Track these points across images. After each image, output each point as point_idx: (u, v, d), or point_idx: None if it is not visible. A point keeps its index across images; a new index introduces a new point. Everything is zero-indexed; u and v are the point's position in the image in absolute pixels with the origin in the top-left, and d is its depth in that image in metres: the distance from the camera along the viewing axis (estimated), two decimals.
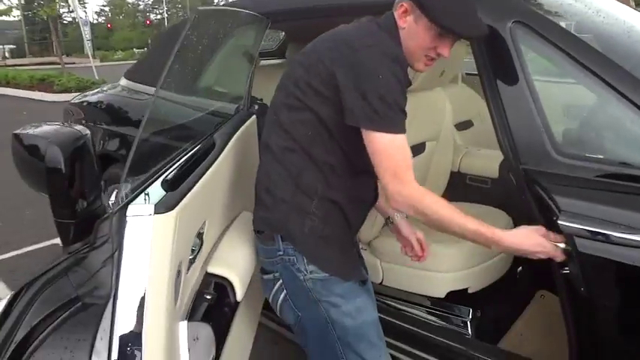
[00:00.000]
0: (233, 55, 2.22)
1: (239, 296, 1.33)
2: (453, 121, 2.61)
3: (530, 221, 1.39)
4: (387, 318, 1.94)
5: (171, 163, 1.23)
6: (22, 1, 29.01)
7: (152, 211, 0.97)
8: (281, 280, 1.39)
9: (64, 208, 0.97)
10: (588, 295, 1.31)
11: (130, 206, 0.97)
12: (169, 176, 1.15)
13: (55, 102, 12.03)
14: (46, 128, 1.02)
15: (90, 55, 15.25)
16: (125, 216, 0.96)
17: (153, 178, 1.11)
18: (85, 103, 3.51)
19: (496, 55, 1.50)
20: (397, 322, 1.91)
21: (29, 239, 3.88)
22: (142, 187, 1.05)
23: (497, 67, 1.49)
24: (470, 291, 1.99)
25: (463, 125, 2.81)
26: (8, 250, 3.70)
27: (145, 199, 1.01)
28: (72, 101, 3.66)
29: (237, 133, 1.62)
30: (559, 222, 1.27)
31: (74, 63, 21.98)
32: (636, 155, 1.35)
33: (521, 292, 2.19)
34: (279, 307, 1.43)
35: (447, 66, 2.19)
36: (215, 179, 1.35)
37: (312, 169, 1.33)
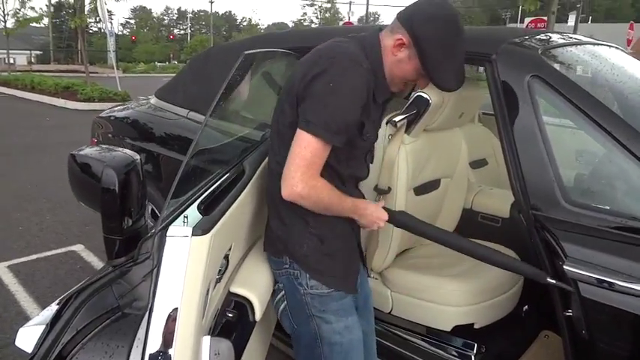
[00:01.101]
0: (263, 85, 2.33)
1: (258, 316, 1.41)
2: (467, 160, 2.70)
3: (536, 262, 1.47)
4: (393, 346, 2.01)
5: (205, 187, 1.33)
6: (52, 9, 29.87)
7: (190, 233, 1.07)
8: (284, 292, 1.53)
9: (113, 224, 1.07)
10: (589, 337, 1.37)
11: (170, 227, 1.06)
12: (204, 200, 1.25)
13: (77, 110, 12.34)
14: (101, 151, 1.13)
15: (114, 67, 15.58)
16: (165, 236, 1.05)
17: (190, 201, 1.21)
18: (112, 118, 3.64)
19: (513, 105, 1.59)
20: (404, 351, 1.97)
21: (48, 244, 4.00)
22: (181, 209, 1.15)
23: (513, 116, 1.59)
24: (476, 326, 2.04)
25: (477, 164, 2.89)
26: (28, 254, 3.81)
27: (183, 222, 1.11)
28: (101, 115, 3.80)
29: (265, 160, 1.71)
30: (565, 267, 1.34)
31: (97, 73, 22.43)
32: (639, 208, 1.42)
33: (525, 330, 2.24)
34: (279, 315, 1.58)
35: (465, 108, 2.29)
36: (243, 205, 1.45)
37: None
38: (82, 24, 15.10)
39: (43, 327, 0.94)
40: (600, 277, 1.32)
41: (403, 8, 1.41)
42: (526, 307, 2.32)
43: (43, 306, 3.07)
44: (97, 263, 3.73)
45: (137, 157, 1.13)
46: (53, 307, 1.01)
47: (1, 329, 2.84)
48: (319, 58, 1.34)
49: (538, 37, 1.88)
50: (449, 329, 2.05)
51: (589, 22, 52.97)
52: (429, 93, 2.04)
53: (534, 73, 1.58)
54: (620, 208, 1.45)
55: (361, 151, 1.50)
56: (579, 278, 1.34)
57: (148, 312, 1.01)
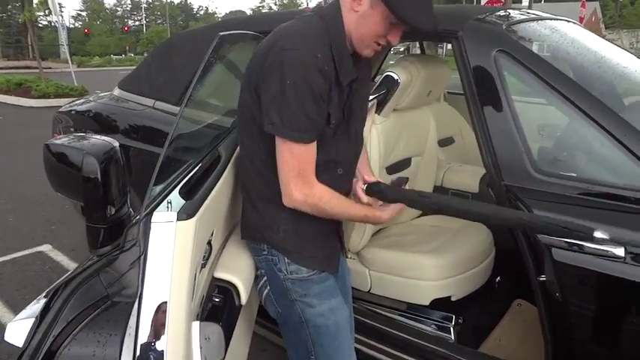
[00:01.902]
0: (229, 70, 2.32)
1: (243, 300, 1.42)
2: (436, 138, 2.76)
3: (509, 233, 1.52)
4: (374, 324, 2.05)
5: (185, 173, 1.32)
6: None
7: (175, 218, 1.06)
8: (265, 277, 1.53)
9: (96, 213, 1.05)
10: (563, 300, 1.44)
11: (154, 213, 1.06)
12: (185, 185, 1.24)
13: (32, 107, 11.89)
14: (78, 140, 1.11)
15: (69, 61, 15.06)
16: (150, 222, 1.05)
17: (171, 187, 1.20)
18: (73, 112, 3.54)
19: (481, 80, 1.64)
20: (385, 327, 2.01)
21: (14, 246, 3.88)
22: (164, 194, 1.14)
23: (481, 91, 1.63)
24: (453, 299, 2.11)
25: (445, 142, 2.95)
26: None
27: (167, 207, 1.10)
28: (61, 110, 3.69)
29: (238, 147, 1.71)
30: (537, 234, 1.40)
31: (50, 68, 21.64)
32: (604, 174, 1.50)
33: (499, 300, 2.32)
34: (263, 300, 1.57)
35: (433, 86, 2.33)
36: (222, 190, 1.45)
37: (272, 175, 1.37)
38: (31, 17, 14.49)
39: (33, 320, 0.93)
40: (570, 241, 1.38)
41: None
42: (499, 278, 2.40)
43: (14, 310, 2.99)
44: (67, 262, 3.65)
45: (116, 143, 1.12)
46: (41, 300, 0.99)
47: None
48: (272, 48, 1.28)
49: (501, 13, 1.93)
50: (427, 303, 2.11)
51: (542, 2, 54.37)
52: (398, 72, 2.07)
53: (500, 47, 1.62)
54: (585, 175, 1.52)
55: (335, 136, 1.42)
56: (551, 243, 1.41)
57: (137, 299, 1.01)
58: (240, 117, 1.45)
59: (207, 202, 1.24)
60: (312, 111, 1.26)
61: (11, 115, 10.96)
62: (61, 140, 1.10)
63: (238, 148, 1.78)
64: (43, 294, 1.01)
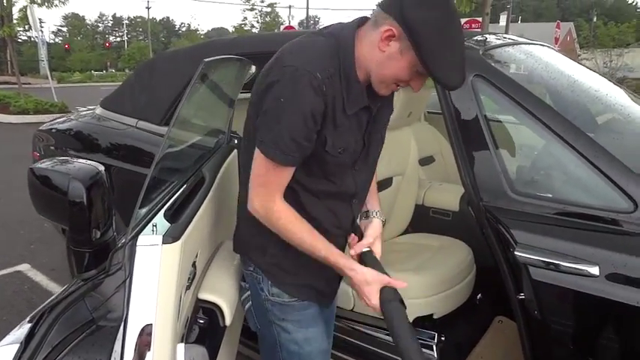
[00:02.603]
0: (215, 91, 2.34)
1: (227, 321, 1.43)
2: (417, 157, 2.81)
3: (489, 251, 1.56)
4: (357, 342, 2.07)
5: (169, 195, 1.33)
6: None
7: (160, 242, 1.08)
8: (249, 292, 1.52)
9: (82, 237, 1.06)
10: (542, 318, 1.48)
11: (140, 236, 1.07)
12: (169, 208, 1.26)
13: (11, 123, 11.73)
14: (63, 164, 1.11)
15: (49, 77, 14.93)
16: (136, 245, 1.06)
17: (156, 209, 1.21)
18: (54, 130, 3.52)
19: (459, 104, 1.69)
20: (367, 346, 2.03)
21: None
22: (148, 217, 1.15)
23: (460, 114, 1.68)
24: (435, 317, 2.13)
25: (426, 161, 3.01)
26: None
27: (152, 230, 1.11)
28: (41, 128, 3.66)
29: (223, 167, 1.73)
30: (515, 253, 1.44)
31: (30, 84, 21.39)
32: (578, 194, 1.55)
33: (481, 317, 2.35)
34: (245, 312, 1.57)
35: (413, 107, 2.39)
36: (206, 211, 1.46)
37: None
38: (10, 33, 14.36)
39: (17, 346, 0.93)
40: (547, 260, 1.42)
41: None
42: (480, 295, 2.43)
43: None
44: (46, 282, 3.60)
45: (101, 167, 1.13)
46: (25, 325, 0.99)
47: None
48: (275, 64, 1.24)
49: (478, 38, 2.00)
50: (410, 321, 2.12)
51: (519, 22, 55.76)
52: None
53: (477, 72, 1.68)
54: (560, 195, 1.57)
55: (339, 166, 1.34)
56: (529, 262, 1.45)
57: (123, 323, 1.02)
58: (243, 131, 1.40)
59: (191, 224, 1.25)
60: (301, 134, 1.20)
61: None
62: (46, 164, 1.11)
63: (224, 166, 1.80)
64: (27, 319, 1.01)
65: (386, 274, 1.35)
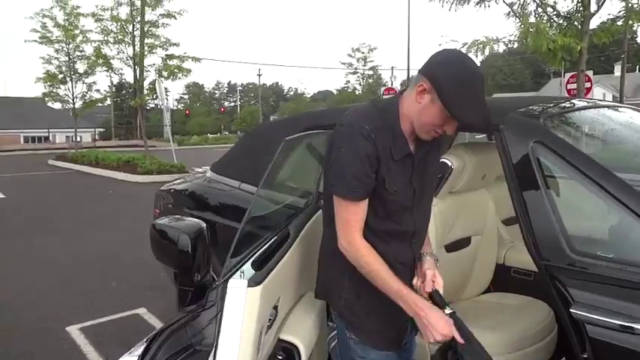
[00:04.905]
0: (305, 157, 2.65)
1: (304, 359, 1.64)
2: (500, 217, 2.87)
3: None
4: None
5: (258, 248, 1.61)
6: (113, 89, 32.47)
7: (246, 285, 1.33)
8: (336, 331, 1.72)
9: (186, 279, 1.35)
10: None
11: (230, 280, 1.34)
12: (257, 259, 1.52)
13: (137, 182, 13.21)
14: (175, 220, 1.44)
15: (171, 140, 16.65)
16: (227, 287, 1.32)
17: (245, 259, 1.48)
18: (172, 190, 4.05)
19: (521, 168, 1.82)
20: None
21: (114, 307, 4.34)
22: (238, 265, 1.42)
23: (520, 177, 1.81)
24: None
25: (510, 220, 3.05)
26: (98, 317, 4.16)
27: (240, 275, 1.38)
28: (162, 188, 4.22)
29: (307, 225, 1.99)
30: (571, 310, 1.51)
31: (155, 146, 23.84)
32: (635, 254, 1.59)
33: None
34: (330, 350, 1.78)
35: (487, 170, 2.51)
36: (289, 263, 1.71)
37: (334, 233, 1.58)
38: (141, 103, 16.38)
39: (136, 357, 1.21)
40: (606, 319, 1.48)
41: None
42: (564, 358, 2.40)
43: None
44: (159, 325, 4.03)
45: (204, 224, 1.43)
46: (142, 344, 1.28)
47: None
48: (336, 127, 1.56)
49: (542, 106, 2.12)
50: None
51: (637, 71, 52.15)
52: (451, 159, 2.29)
53: (537, 139, 1.81)
54: (620, 256, 1.62)
55: (398, 205, 1.58)
56: (586, 320, 1.50)
57: (213, 350, 1.27)
58: (323, 187, 1.70)
59: (273, 272, 1.50)
60: (360, 172, 1.48)
61: (119, 189, 12.23)
62: (163, 221, 1.43)
63: (309, 223, 2.05)
64: (144, 339, 1.30)
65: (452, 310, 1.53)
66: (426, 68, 1.49)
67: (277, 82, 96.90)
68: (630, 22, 8.44)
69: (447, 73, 1.44)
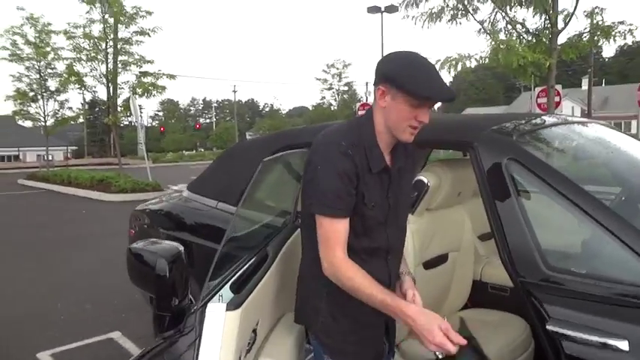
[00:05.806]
0: (283, 176, 2.65)
1: None
2: (475, 233, 2.90)
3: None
4: None
5: (235, 270, 1.59)
6: (86, 106, 31.98)
7: (224, 309, 1.32)
8: (313, 354, 1.70)
9: (164, 304, 1.32)
10: None
11: (208, 304, 1.32)
12: (235, 281, 1.51)
13: (111, 202, 12.96)
14: (152, 244, 1.42)
15: (145, 158, 16.43)
16: (205, 311, 1.31)
17: (223, 283, 1.47)
18: (148, 210, 4.00)
19: (495, 185, 1.85)
20: None
21: (88, 332, 4.22)
22: (217, 288, 1.41)
23: (495, 194, 1.84)
24: None
25: (486, 236, 3.09)
26: (70, 342, 4.04)
27: (219, 299, 1.36)
28: (137, 208, 4.16)
29: (285, 245, 1.98)
30: (547, 327, 1.54)
31: (128, 164, 23.55)
32: (611, 270, 1.62)
33: None
34: None
35: (462, 188, 2.55)
36: (268, 284, 1.69)
37: (316, 264, 1.55)
38: (115, 121, 16.16)
39: None
40: (581, 335, 1.50)
41: None
42: None
43: None
44: (134, 349, 3.93)
45: (181, 247, 1.41)
46: None
47: None
48: (312, 146, 1.57)
49: (515, 123, 2.17)
50: None
51: (603, 85, 53.84)
52: (427, 176, 2.32)
53: (510, 156, 1.84)
54: (593, 271, 1.65)
55: (375, 221, 1.58)
56: (562, 336, 1.53)
57: None
58: (301, 207, 1.67)
59: (252, 295, 1.49)
60: (338, 188, 1.48)
61: (93, 209, 11.98)
62: (140, 244, 1.41)
63: (288, 243, 2.04)
64: None
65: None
66: (376, 74, 1.53)
67: (253, 99, 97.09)
68: (595, 38, 8.74)
69: (394, 64, 1.48)
